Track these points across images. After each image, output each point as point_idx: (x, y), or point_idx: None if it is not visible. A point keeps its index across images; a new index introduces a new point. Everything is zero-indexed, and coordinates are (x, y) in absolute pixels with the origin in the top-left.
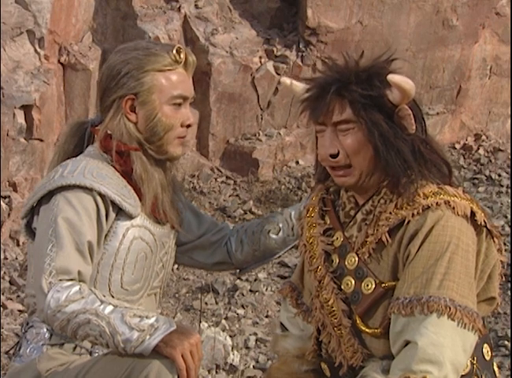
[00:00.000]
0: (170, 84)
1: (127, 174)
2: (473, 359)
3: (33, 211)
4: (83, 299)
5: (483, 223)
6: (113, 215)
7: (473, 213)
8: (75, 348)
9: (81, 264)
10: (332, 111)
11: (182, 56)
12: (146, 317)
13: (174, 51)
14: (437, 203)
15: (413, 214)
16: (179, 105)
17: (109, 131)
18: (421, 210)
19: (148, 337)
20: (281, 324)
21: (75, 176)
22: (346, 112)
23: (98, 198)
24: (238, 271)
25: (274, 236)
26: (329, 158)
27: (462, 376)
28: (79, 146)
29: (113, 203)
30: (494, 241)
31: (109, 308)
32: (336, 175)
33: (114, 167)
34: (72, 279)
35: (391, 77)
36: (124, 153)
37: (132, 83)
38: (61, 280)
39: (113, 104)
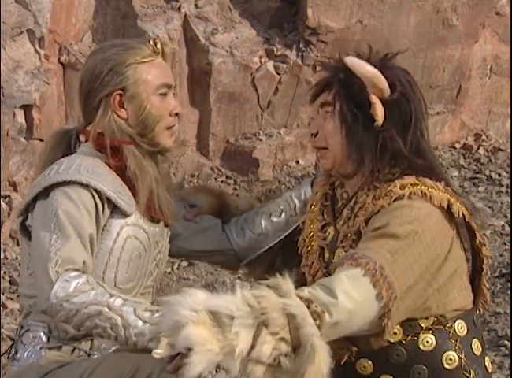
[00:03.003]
0: (153, 75)
1: (122, 171)
2: (461, 354)
3: (28, 209)
4: (93, 291)
5: (461, 215)
6: (107, 212)
7: (450, 206)
8: (73, 350)
9: (85, 255)
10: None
11: (159, 46)
12: (157, 312)
13: (151, 42)
14: (414, 193)
15: (389, 203)
16: (165, 94)
17: (99, 130)
18: (397, 198)
19: None
20: None
21: (70, 173)
22: (330, 94)
23: (95, 194)
24: (241, 263)
25: (276, 219)
26: (310, 137)
27: (448, 370)
28: (66, 154)
29: (109, 200)
30: (475, 236)
31: (120, 301)
32: (318, 156)
33: (109, 165)
34: (77, 270)
35: (348, 59)
36: (118, 148)
37: (117, 79)
38: (67, 270)
39: (100, 103)
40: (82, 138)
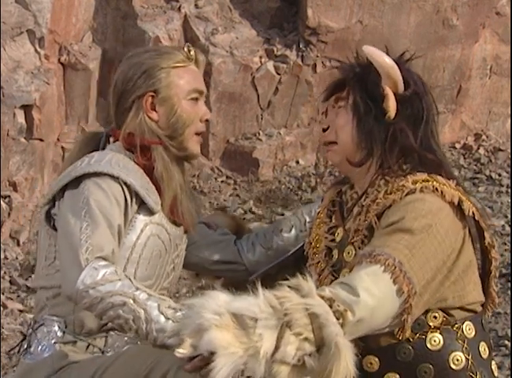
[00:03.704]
0: (186, 79)
1: (149, 171)
2: (468, 355)
3: (54, 198)
4: (120, 282)
5: (471, 214)
6: (135, 207)
7: (461, 203)
8: (88, 347)
9: (114, 244)
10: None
11: (192, 53)
12: (180, 310)
13: (185, 49)
14: (426, 187)
15: (401, 197)
16: (196, 99)
17: (130, 130)
18: (409, 193)
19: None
20: None
21: (102, 165)
22: (345, 90)
23: (125, 188)
24: (250, 277)
25: (286, 234)
26: (321, 132)
27: (455, 370)
28: None
29: (137, 195)
30: (484, 236)
31: (145, 295)
32: (326, 150)
33: (137, 164)
34: (106, 259)
35: (365, 47)
36: (147, 148)
37: (150, 81)
38: (97, 258)
39: (132, 104)
40: (112, 139)
